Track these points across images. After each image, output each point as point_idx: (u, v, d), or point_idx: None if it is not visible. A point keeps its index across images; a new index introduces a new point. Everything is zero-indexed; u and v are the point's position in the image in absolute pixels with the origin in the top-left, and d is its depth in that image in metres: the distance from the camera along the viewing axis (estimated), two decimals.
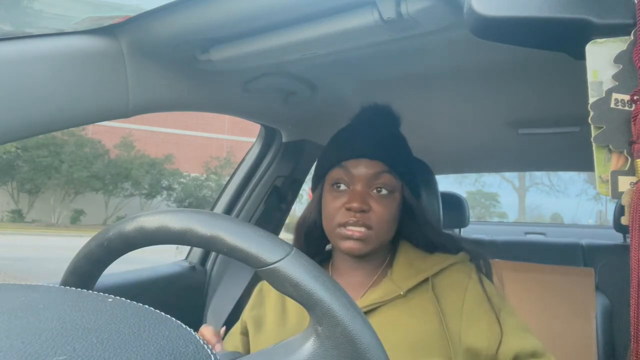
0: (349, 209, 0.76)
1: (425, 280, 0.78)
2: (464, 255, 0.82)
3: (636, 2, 0.39)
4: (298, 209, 1.94)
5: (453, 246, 0.84)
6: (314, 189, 0.89)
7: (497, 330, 0.73)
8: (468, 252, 0.84)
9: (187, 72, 0.90)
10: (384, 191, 0.78)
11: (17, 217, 15.54)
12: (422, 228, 0.83)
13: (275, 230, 1.58)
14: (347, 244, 0.76)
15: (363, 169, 0.78)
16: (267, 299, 0.88)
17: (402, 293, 0.75)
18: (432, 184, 1.11)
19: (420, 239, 0.84)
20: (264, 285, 0.91)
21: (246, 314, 0.88)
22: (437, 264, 0.80)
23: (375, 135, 0.81)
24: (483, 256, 0.85)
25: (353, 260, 0.82)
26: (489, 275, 0.83)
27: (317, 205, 0.85)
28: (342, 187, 0.79)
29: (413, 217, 0.83)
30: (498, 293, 0.80)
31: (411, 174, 0.83)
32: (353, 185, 0.79)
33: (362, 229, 0.75)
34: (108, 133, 16.24)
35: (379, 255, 0.83)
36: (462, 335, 0.73)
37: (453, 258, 0.81)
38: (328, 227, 0.80)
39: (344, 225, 0.76)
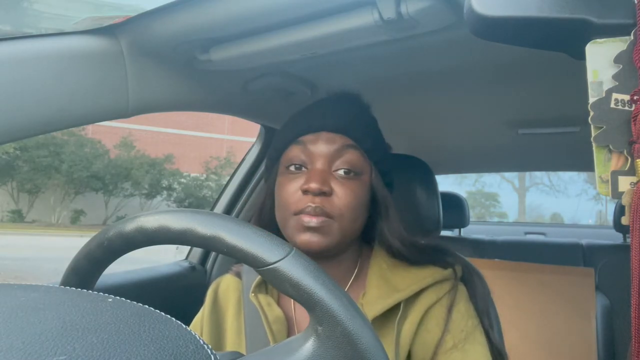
0: (305, 192, 0.62)
1: (397, 304, 0.63)
2: (450, 272, 0.68)
3: (636, 2, 0.39)
4: None
5: (437, 260, 0.70)
6: (267, 178, 0.74)
7: None
8: (459, 269, 0.70)
9: (187, 72, 0.90)
10: (349, 171, 0.64)
11: (17, 217, 15.54)
12: (393, 231, 0.68)
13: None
14: (304, 237, 0.62)
15: (323, 145, 0.65)
16: (225, 317, 0.75)
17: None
18: (432, 184, 1.11)
19: (395, 247, 0.68)
20: (217, 299, 0.77)
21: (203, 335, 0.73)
22: (417, 282, 0.65)
23: (339, 106, 0.69)
24: (478, 275, 0.72)
25: None
26: (484, 297, 0.70)
27: (270, 195, 0.71)
28: (299, 168, 0.66)
29: (384, 213, 0.68)
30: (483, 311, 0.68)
31: (382, 156, 0.69)
32: (312, 165, 0.65)
33: (322, 217, 0.62)
34: (108, 133, 16.25)
35: (345, 260, 0.69)
36: None
37: (438, 274, 0.67)
38: (281, 217, 0.66)
39: (300, 212, 0.62)
